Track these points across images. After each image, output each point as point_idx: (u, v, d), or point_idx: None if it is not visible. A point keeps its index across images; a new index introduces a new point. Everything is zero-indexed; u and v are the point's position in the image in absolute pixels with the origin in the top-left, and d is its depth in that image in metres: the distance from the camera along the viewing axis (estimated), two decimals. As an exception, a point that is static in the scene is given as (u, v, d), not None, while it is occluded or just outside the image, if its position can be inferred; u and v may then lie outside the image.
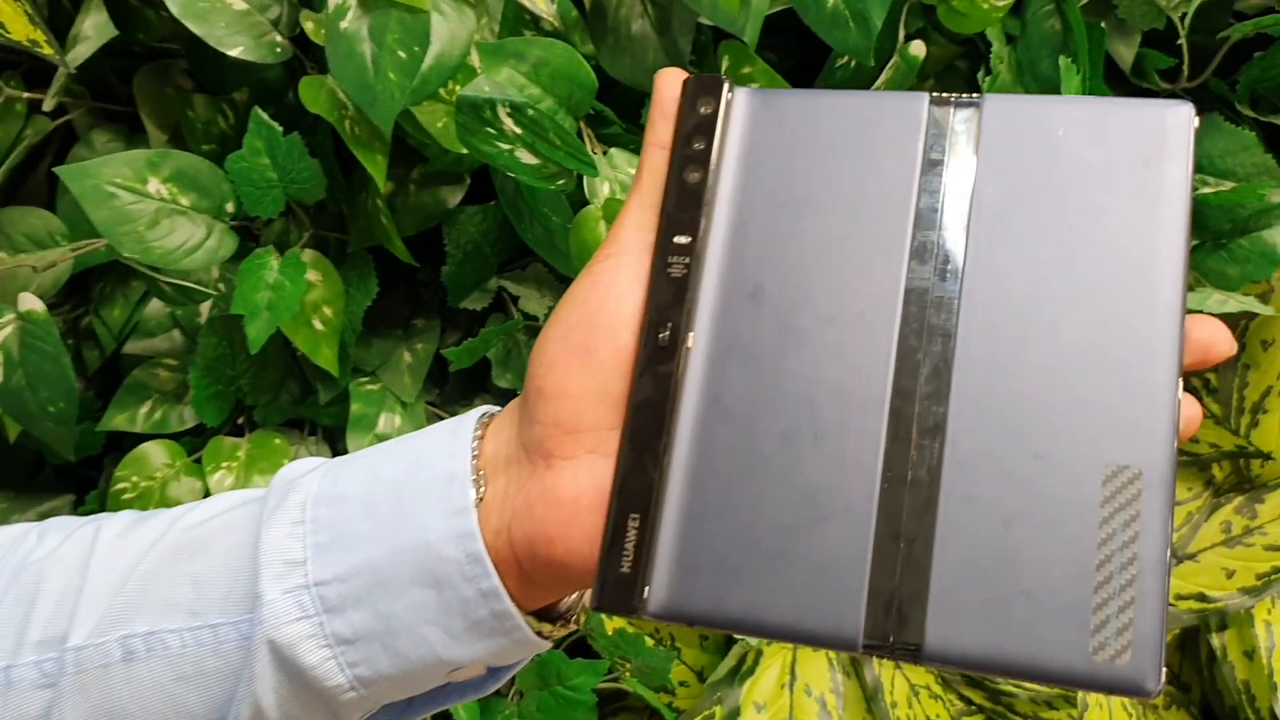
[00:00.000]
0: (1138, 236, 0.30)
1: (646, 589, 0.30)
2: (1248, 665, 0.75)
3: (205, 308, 0.66)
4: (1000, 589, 0.28)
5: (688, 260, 0.32)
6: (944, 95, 0.32)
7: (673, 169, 0.33)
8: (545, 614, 0.36)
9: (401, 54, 0.52)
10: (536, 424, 0.32)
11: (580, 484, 0.31)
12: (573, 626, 0.37)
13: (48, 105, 0.59)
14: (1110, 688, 0.27)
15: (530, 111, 0.51)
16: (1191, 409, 0.30)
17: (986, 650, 0.28)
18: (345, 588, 0.33)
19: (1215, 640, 0.77)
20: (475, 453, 0.34)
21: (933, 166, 0.32)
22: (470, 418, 0.35)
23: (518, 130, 0.52)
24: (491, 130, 0.52)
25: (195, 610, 0.34)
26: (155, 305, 0.67)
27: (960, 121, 0.32)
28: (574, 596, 0.37)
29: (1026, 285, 0.30)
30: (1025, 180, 0.31)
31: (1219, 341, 0.30)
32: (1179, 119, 0.30)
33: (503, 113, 0.52)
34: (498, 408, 0.36)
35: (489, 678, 0.36)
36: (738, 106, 0.33)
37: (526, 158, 0.54)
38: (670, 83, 0.34)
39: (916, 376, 0.30)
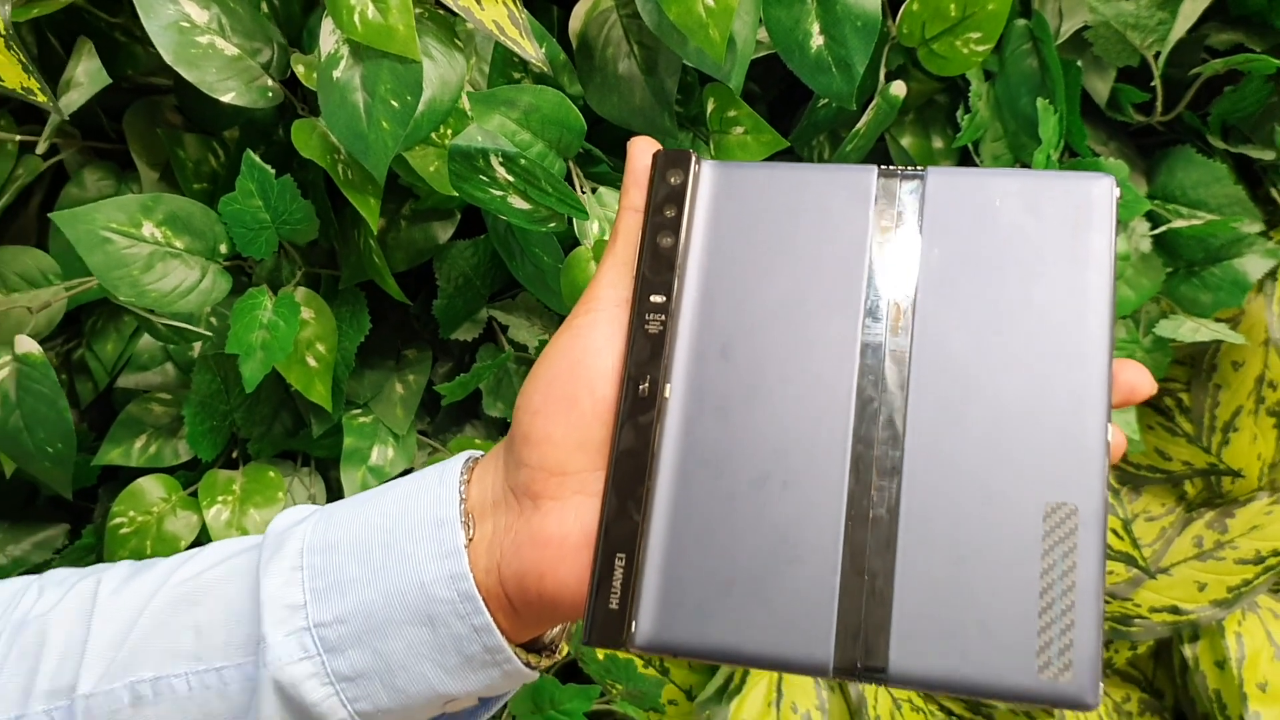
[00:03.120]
0: (1068, 296, 0.33)
1: (634, 624, 0.32)
2: (1219, 675, 0.77)
3: (198, 343, 0.67)
4: (955, 618, 0.31)
5: (663, 318, 0.34)
6: (892, 169, 0.35)
7: (647, 233, 0.36)
8: (531, 645, 0.38)
9: (394, 103, 0.53)
10: (524, 468, 0.34)
11: (566, 524, 0.34)
12: (558, 657, 0.39)
13: (41, 149, 0.60)
14: (1055, 702, 0.30)
15: (522, 161, 0.52)
16: (1118, 438, 0.33)
17: (945, 673, 0.31)
18: (344, 629, 0.35)
19: (1188, 651, 0.79)
20: (463, 497, 0.35)
21: (882, 233, 0.34)
22: (456, 464, 0.37)
23: (510, 178, 0.53)
24: (484, 178, 0.53)
25: (199, 655, 0.36)
26: (148, 339, 0.68)
27: (906, 192, 0.35)
28: (558, 629, 0.39)
29: (970, 340, 0.33)
30: (966, 246, 0.34)
31: (1141, 385, 0.34)
32: (1102, 190, 0.34)
33: (495, 162, 0.53)
34: (481, 453, 0.38)
35: (481, 707, 0.39)
36: (704, 178, 0.36)
37: (518, 203, 0.55)
38: (642, 152, 0.36)
39: (874, 423, 0.33)
